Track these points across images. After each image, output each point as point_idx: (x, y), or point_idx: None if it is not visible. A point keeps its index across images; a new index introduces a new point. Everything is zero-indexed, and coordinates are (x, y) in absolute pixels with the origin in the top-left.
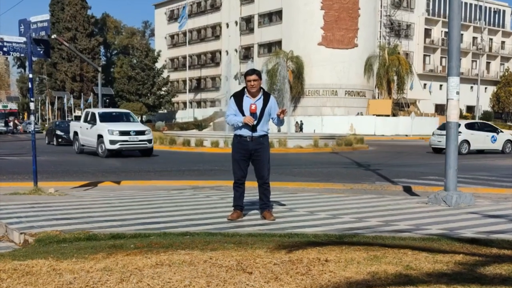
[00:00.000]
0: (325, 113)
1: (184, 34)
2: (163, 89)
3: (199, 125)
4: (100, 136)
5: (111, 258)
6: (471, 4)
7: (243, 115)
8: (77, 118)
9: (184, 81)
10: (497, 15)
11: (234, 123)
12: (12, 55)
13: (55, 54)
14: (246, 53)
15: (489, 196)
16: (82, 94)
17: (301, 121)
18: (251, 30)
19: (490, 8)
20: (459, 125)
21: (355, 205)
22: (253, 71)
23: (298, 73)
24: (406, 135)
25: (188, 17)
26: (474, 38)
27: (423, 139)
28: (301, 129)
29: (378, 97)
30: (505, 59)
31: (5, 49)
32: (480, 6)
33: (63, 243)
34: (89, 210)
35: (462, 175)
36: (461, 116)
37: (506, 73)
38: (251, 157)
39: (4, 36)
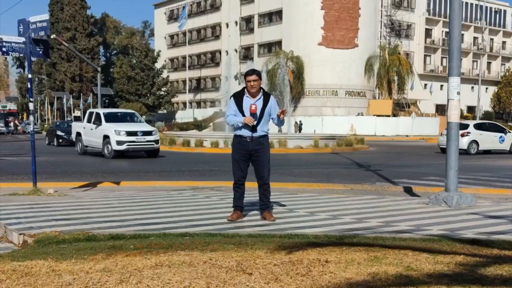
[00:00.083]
0: (325, 113)
1: (184, 34)
2: (162, 89)
3: (199, 125)
4: (106, 137)
5: (111, 259)
6: (472, 4)
7: (243, 115)
8: (77, 119)
9: (184, 81)
10: (498, 15)
11: (234, 124)
12: (11, 55)
13: (54, 54)
14: (246, 53)
15: (490, 196)
16: (81, 94)
17: (300, 121)
18: (251, 30)
19: (491, 8)
20: (468, 125)
21: (355, 206)
22: (253, 71)
23: (298, 73)
24: (407, 136)
25: (188, 17)
26: (475, 38)
27: (424, 140)
28: (300, 129)
29: (378, 97)
30: (506, 59)
31: (4, 49)
32: (481, 6)
33: (62, 244)
34: (89, 211)
35: (463, 176)
36: (462, 117)
37: (507, 73)
38: (251, 158)
39: (3, 36)
